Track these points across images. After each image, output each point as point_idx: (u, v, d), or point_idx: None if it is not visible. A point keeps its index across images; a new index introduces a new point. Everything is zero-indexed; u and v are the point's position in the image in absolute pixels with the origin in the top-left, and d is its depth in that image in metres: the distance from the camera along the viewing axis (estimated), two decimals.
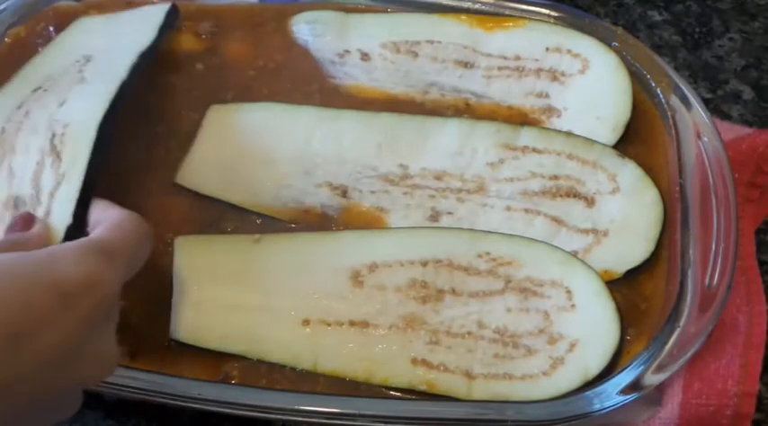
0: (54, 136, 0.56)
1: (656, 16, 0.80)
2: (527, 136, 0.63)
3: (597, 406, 0.52)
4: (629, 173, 0.61)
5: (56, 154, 0.55)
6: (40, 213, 0.52)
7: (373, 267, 0.57)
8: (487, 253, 0.57)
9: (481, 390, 0.54)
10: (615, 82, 0.66)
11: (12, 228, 0.51)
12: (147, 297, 0.57)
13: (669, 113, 0.64)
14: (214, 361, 0.56)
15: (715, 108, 0.74)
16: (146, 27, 0.65)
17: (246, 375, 0.55)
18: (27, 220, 0.51)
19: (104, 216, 0.50)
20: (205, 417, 0.58)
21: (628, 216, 0.60)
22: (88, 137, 0.54)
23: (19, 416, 0.40)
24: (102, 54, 0.64)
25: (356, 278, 0.57)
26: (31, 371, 0.39)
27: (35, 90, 0.61)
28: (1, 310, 0.39)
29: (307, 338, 0.56)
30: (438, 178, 0.62)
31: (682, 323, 0.55)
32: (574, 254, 0.58)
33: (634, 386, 0.53)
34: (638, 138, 0.64)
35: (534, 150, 0.62)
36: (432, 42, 0.68)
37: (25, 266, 0.41)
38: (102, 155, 0.54)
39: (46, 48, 0.66)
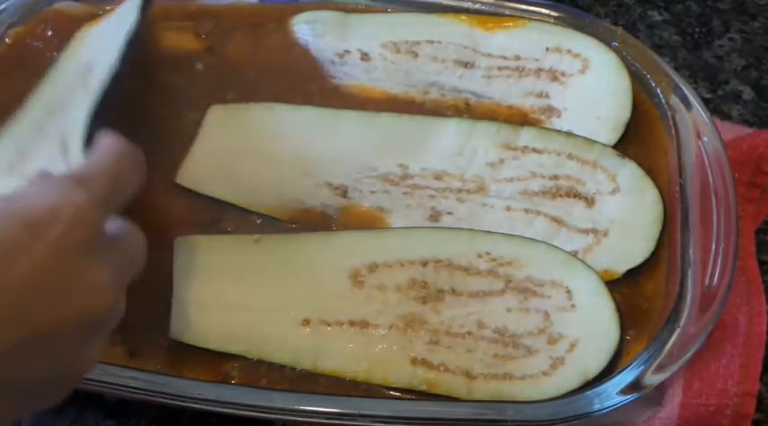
0: (62, 142, 0.56)
1: (656, 16, 0.80)
2: (527, 136, 0.63)
3: (597, 406, 0.52)
4: (629, 173, 0.61)
5: (66, 154, 0.55)
6: None
7: (373, 267, 0.57)
8: (488, 253, 0.57)
9: (481, 390, 0.54)
10: (615, 82, 0.66)
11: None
12: (147, 297, 0.57)
13: (669, 113, 0.64)
14: (214, 361, 0.56)
15: (715, 108, 0.73)
16: (129, 13, 0.65)
17: (246, 375, 0.55)
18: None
19: (95, 146, 0.47)
20: (205, 417, 0.58)
21: (628, 216, 0.60)
22: (81, 128, 0.53)
23: (17, 360, 0.39)
24: (100, 57, 0.64)
25: (356, 278, 0.57)
26: (6, 304, 0.38)
27: (49, 112, 0.61)
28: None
29: (307, 338, 0.56)
30: (438, 178, 0.62)
31: (682, 323, 0.55)
32: (574, 254, 0.58)
33: (634, 386, 0.53)
34: (638, 138, 0.64)
35: (534, 150, 0.62)
36: (432, 42, 0.68)
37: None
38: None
39: (51, 69, 0.65)
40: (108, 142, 0.46)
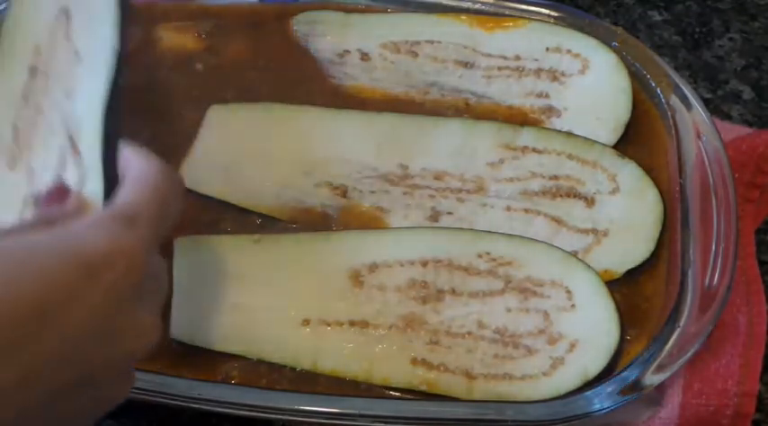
0: (71, 133, 0.55)
1: (656, 16, 0.80)
2: (527, 136, 0.63)
3: (597, 406, 0.52)
4: (629, 173, 0.61)
5: (76, 150, 0.54)
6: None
7: (373, 267, 0.57)
8: (487, 253, 0.57)
9: (481, 390, 0.54)
10: (615, 82, 0.66)
11: (47, 200, 0.49)
12: None
13: (669, 113, 0.64)
14: (214, 361, 0.56)
15: (715, 108, 0.73)
16: None
17: (246, 375, 0.55)
18: (61, 191, 0.49)
19: (128, 168, 0.47)
20: (205, 417, 0.58)
21: (628, 216, 0.60)
22: (96, 122, 0.52)
23: (61, 397, 0.39)
24: (78, 4, 0.61)
25: (356, 278, 0.57)
26: (61, 349, 0.38)
27: (32, 73, 0.60)
28: (25, 288, 0.37)
29: (307, 338, 0.56)
30: (438, 178, 0.62)
31: (682, 323, 0.55)
32: (574, 254, 0.58)
33: (634, 386, 0.53)
34: (638, 138, 0.64)
35: (534, 150, 0.62)
36: (432, 42, 0.68)
37: (48, 242, 0.40)
38: (114, 134, 0.52)
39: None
40: (144, 165, 0.46)
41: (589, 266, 0.57)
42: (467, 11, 0.70)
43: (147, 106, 0.66)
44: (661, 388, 0.55)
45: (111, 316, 0.40)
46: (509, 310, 0.56)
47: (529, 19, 0.69)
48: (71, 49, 0.59)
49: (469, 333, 0.56)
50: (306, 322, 0.56)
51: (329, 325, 0.56)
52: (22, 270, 0.38)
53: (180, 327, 0.56)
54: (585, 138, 0.63)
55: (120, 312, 0.41)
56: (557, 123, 0.65)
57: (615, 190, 0.61)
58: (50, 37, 0.61)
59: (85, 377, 0.40)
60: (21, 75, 0.60)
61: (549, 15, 0.69)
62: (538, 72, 0.67)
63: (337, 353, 0.55)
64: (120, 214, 0.43)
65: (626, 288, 0.58)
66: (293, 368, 0.55)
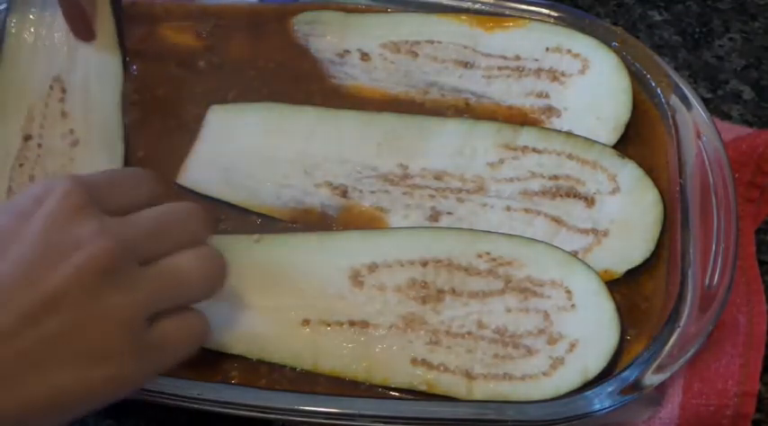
0: None
1: (656, 16, 0.80)
2: (527, 136, 0.63)
3: (597, 406, 0.52)
4: (629, 173, 0.61)
5: None
6: None
7: (373, 267, 0.57)
8: (487, 253, 0.57)
9: (481, 390, 0.54)
10: (615, 82, 0.66)
11: None
12: None
13: (669, 113, 0.64)
14: (213, 361, 0.56)
15: (715, 108, 0.73)
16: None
17: (246, 375, 0.55)
18: None
19: None
20: (205, 417, 0.58)
21: (628, 216, 0.60)
22: None
23: (30, 328, 0.42)
24: (72, 76, 0.63)
25: (356, 278, 0.57)
26: (9, 281, 0.42)
27: (26, 139, 0.61)
28: None
29: (306, 338, 0.56)
30: (438, 178, 0.62)
31: (682, 323, 0.55)
32: (574, 254, 0.58)
33: (634, 386, 0.53)
34: (638, 138, 0.64)
35: (534, 150, 0.62)
36: (432, 42, 0.68)
37: None
38: None
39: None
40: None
41: (589, 266, 0.57)
42: (467, 11, 0.70)
43: (146, 106, 0.66)
44: (661, 388, 0.55)
45: (49, 238, 0.43)
46: (509, 310, 0.56)
47: (529, 19, 0.69)
48: (66, 127, 0.60)
49: (469, 333, 0.56)
50: (306, 322, 0.56)
51: (329, 325, 0.56)
52: None
53: None
54: (585, 138, 0.63)
55: (62, 230, 0.44)
56: (557, 123, 0.65)
57: (615, 190, 0.61)
58: (44, 107, 0.62)
59: (48, 303, 0.42)
60: (14, 138, 0.61)
61: (549, 15, 0.69)
62: (538, 72, 0.67)
63: (337, 353, 0.55)
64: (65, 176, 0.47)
65: (626, 288, 0.58)
66: (293, 368, 0.55)
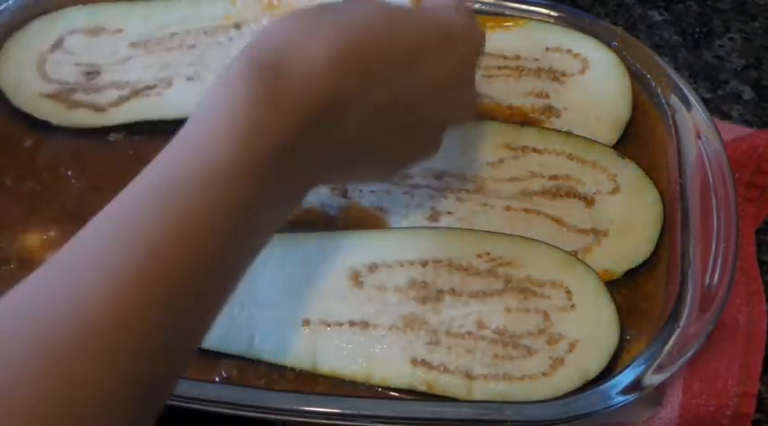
0: None
1: (656, 16, 0.80)
2: (527, 136, 0.63)
3: (597, 406, 0.52)
4: (629, 173, 0.61)
5: None
6: None
7: (373, 267, 0.57)
8: (487, 253, 0.57)
9: (481, 390, 0.54)
10: (615, 82, 0.66)
11: None
12: None
13: (669, 113, 0.64)
14: (213, 361, 0.56)
15: (715, 108, 0.73)
16: None
17: (246, 375, 0.55)
18: None
19: None
20: (205, 417, 0.58)
21: (628, 216, 0.60)
22: None
23: (404, 124, 0.49)
24: None
25: (356, 278, 0.57)
26: (415, 92, 0.47)
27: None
28: (403, 39, 0.46)
29: (306, 338, 0.56)
30: (438, 177, 0.62)
31: (682, 324, 0.55)
32: (573, 254, 0.58)
33: (634, 386, 0.53)
34: (638, 138, 0.64)
35: (534, 150, 0.62)
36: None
37: (420, 11, 0.50)
38: None
39: None
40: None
41: (589, 266, 0.57)
42: None
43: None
44: (661, 388, 0.55)
45: (456, 82, 0.50)
46: (509, 310, 0.56)
47: (529, 19, 0.69)
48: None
49: (469, 334, 0.56)
50: (306, 322, 0.56)
51: (329, 326, 0.56)
52: (404, 25, 0.47)
53: None
54: (585, 138, 0.63)
55: (462, 80, 0.50)
56: (557, 123, 0.65)
57: (615, 190, 0.61)
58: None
59: (422, 121, 0.50)
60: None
61: (548, 15, 0.69)
62: (538, 72, 0.67)
63: (337, 354, 0.55)
64: (467, 9, 0.53)
65: (626, 288, 0.58)
66: (293, 369, 0.55)
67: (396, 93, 0.46)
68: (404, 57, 0.46)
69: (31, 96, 0.66)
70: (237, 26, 0.68)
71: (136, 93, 0.66)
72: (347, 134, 0.45)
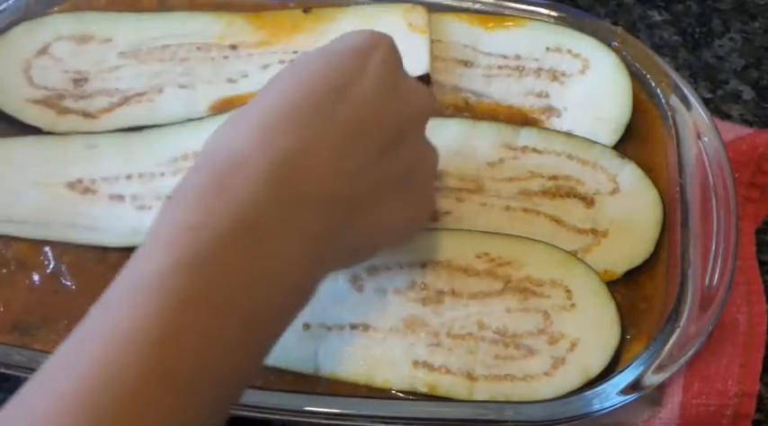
0: None
1: (656, 16, 0.80)
2: (527, 136, 0.63)
3: (597, 406, 0.52)
4: (629, 173, 0.61)
5: None
6: None
7: (372, 270, 0.57)
8: (486, 254, 0.57)
9: (483, 391, 0.54)
10: (615, 82, 0.66)
11: None
12: None
13: (669, 113, 0.64)
14: None
15: (715, 108, 0.73)
16: None
17: None
18: None
19: None
20: None
21: (627, 216, 0.60)
22: None
23: (383, 153, 0.47)
24: None
25: (356, 281, 0.57)
26: (359, 112, 0.46)
27: None
28: (322, 74, 0.46)
29: (307, 342, 0.55)
30: (437, 177, 0.62)
31: (682, 324, 0.55)
32: (573, 254, 0.58)
33: (634, 386, 0.53)
34: (638, 139, 0.64)
35: (534, 150, 0.62)
36: (432, 41, 0.68)
37: (324, 47, 0.49)
38: None
39: None
40: None
41: (589, 266, 0.57)
42: (467, 10, 0.70)
43: None
44: (661, 388, 0.55)
45: (387, 82, 0.48)
46: (509, 310, 0.56)
47: (529, 18, 0.69)
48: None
49: (470, 334, 0.56)
50: (306, 326, 0.56)
51: (329, 329, 0.56)
52: (316, 65, 0.47)
53: None
54: (585, 139, 0.63)
55: (394, 79, 0.49)
56: (557, 123, 0.65)
57: (615, 191, 0.61)
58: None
59: (394, 133, 0.48)
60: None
61: (549, 15, 0.69)
62: (538, 72, 0.67)
63: (338, 357, 0.55)
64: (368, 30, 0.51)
65: (625, 289, 0.58)
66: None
67: (346, 122, 0.46)
68: (328, 92, 0.46)
69: (18, 102, 0.65)
70: (233, 47, 0.68)
71: (126, 99, 0.65)
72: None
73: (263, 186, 0.42)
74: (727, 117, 0.73)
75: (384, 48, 0.49)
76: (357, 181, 0.45)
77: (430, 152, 0.54)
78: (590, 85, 0.66)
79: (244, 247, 0.40)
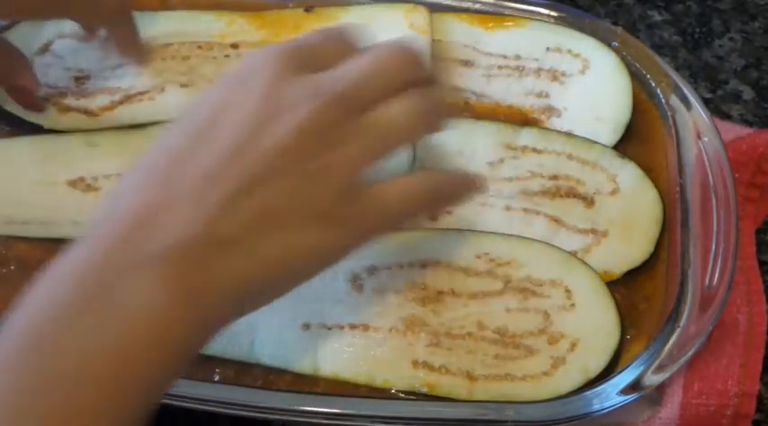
0: None
1: (656, 16, 0.80)
2: (527, 136, 0.63)
3: (597, 406, 0.52)
4: (629, 173, 0.61)
5: None
6: None
7: (372, 270, 0.57)
8: (486, 254, 0.57)
9: (483, 391, 0.54)
10: (615, 82, 0.66)
11: None
12: None
13: (669, 113, 0.64)
14: (212, 362, 0.55)
15: (715, 108, 0.73)
16: None
17: (245, 375, 0.55)
18: None
19: None
20: (205, 417, 0.58)
21: (627, 216, 0.60)
22: None
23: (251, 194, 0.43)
24: None
25: (355, 281, 0.57)
26: (232, 144, 0.42)
27: None
28: (182, 128, 0.45)
29: (306, 342, 0.55)
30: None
31: (682, 324, 0.55)
32: (573, 254, 0.58)
33: (634, 386, 0.53)
34: (638, 139, 0.64)
35: (534, 150, 0.62)
36: (432, 41, 0.68)
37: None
38: None
39: None
40: None
41: (588, 265, 0.57)
42: (467, 10, 0.70)
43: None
44: (661, 388, 0.55)
45: (276, 96, 0.44)
46: (509, 310, 0.56)
47: (529, 18, 0.69)
48: None
49: (470, 334, 0.56)
50: (305, 326, 0.56)
51: (329, 329, 0.56)
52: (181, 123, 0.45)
53: None
54: (585, 139, 0.63)
55: (279, 94, 0.44)
56: (557, 123, 0.65)
57: (615, 191, 0.61)
58: None
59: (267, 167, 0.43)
60: None
61: (549, 15, 0.69)
62: (538, 71, 0.67)
63: (338, 357, 0.55)
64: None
65: (625, 289, 0.58)
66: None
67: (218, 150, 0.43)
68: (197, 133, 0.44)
69: None
70: (235, 46, 0.68)
71: (128, 98, 0.65)
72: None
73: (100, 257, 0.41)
74: (727, 117, 0.73)
75: (267, 66, 0.45)
76: (222, 216, 0.42)
77: (326, 166, 0.45)
78: (590, 85, 0.66)
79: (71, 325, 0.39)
